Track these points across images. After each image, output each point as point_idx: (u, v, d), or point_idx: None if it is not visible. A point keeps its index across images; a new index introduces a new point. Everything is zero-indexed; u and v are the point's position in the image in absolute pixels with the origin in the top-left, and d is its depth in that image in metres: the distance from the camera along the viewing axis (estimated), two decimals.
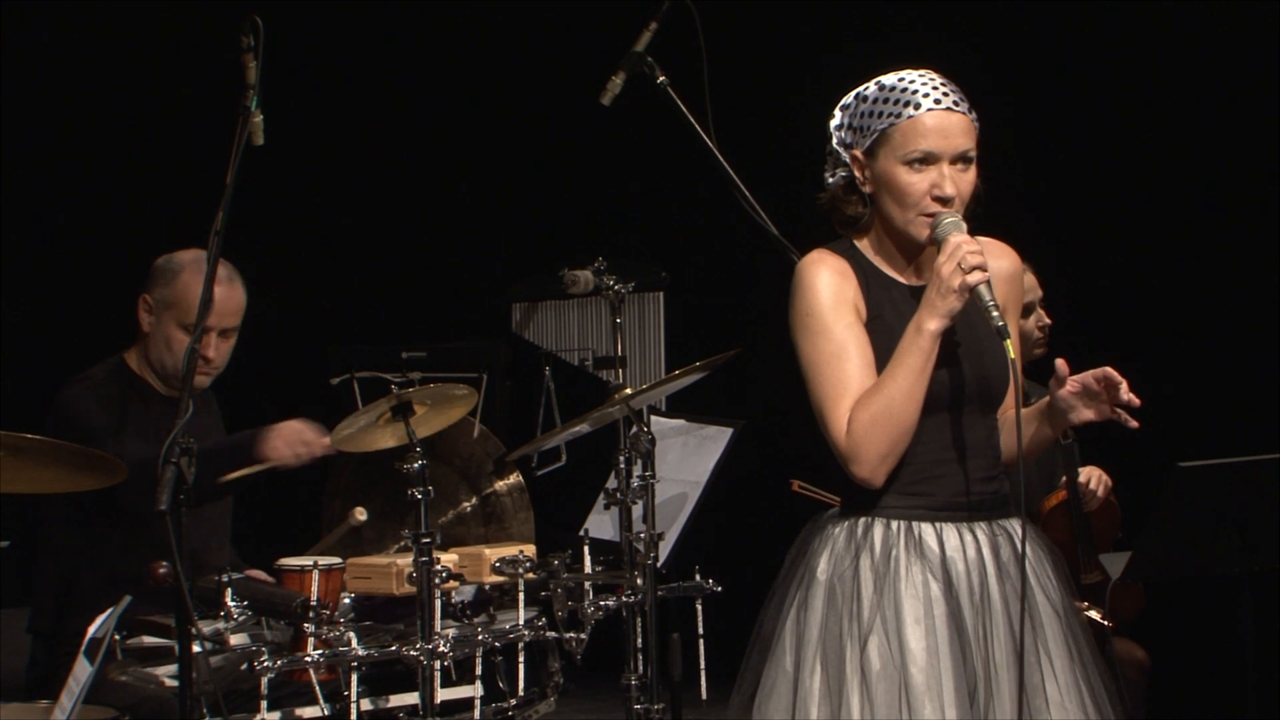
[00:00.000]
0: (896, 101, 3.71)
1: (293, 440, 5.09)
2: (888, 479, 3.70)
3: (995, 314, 3.62)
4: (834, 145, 3.83)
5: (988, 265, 3.65)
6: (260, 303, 5.50)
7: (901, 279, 3.80)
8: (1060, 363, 3.72)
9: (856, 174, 3.78)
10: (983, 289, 3.63)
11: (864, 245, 3.82)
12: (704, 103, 5.09)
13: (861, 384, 3.68)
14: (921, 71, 3.76)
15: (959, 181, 3.70)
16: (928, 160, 3.69)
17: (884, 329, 3.73)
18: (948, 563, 3.69)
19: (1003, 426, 3.85)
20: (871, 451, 3.66)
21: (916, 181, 3.69)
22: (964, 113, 3.72)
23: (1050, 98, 7.41)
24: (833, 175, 3.85)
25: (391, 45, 8.60)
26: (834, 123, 3.83)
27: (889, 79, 3.76)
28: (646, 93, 5.22)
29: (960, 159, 3.71)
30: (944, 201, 3.68)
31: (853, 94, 3.81)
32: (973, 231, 3.70)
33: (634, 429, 5.41)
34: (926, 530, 3.71)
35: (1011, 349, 3.63)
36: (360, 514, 5.48)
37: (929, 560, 3.69)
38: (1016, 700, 3.62)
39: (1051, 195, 7.29)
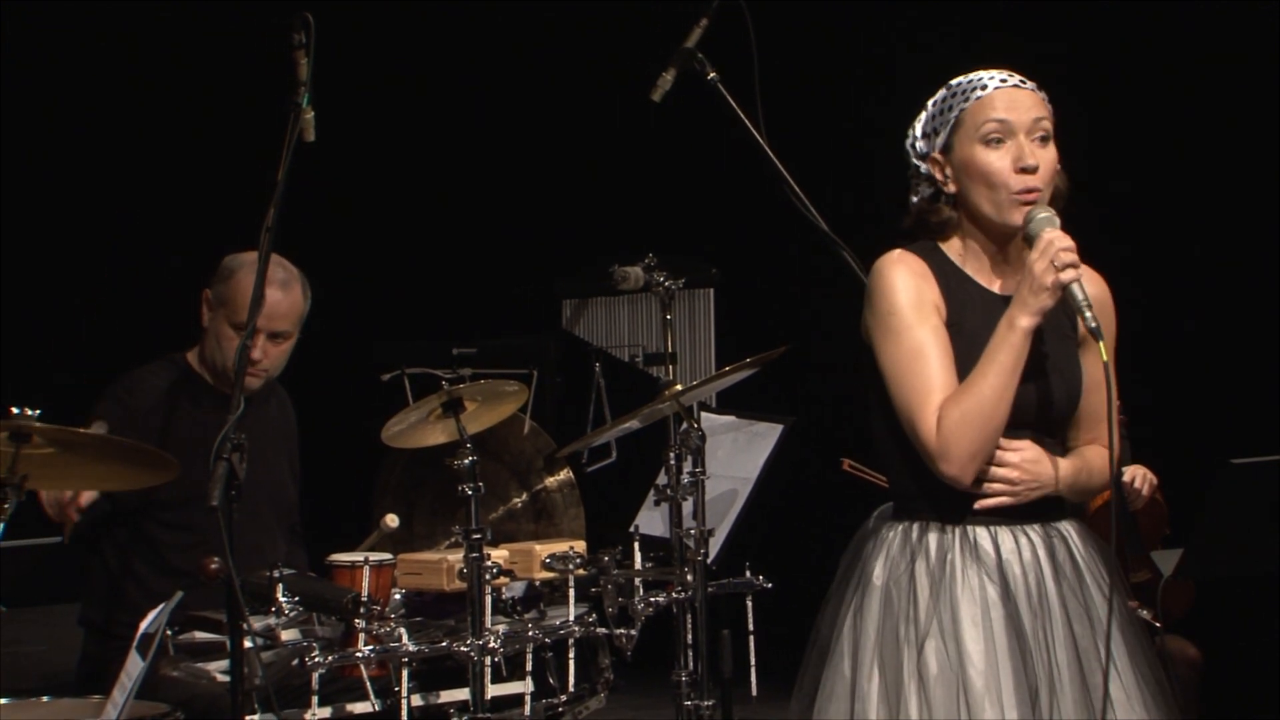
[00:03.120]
0: (965, 90, 3.71)
1: None
2: (944, 481, 3.68)
3: (1089, 314, 3.58)
4: (913, 162, 3.80)
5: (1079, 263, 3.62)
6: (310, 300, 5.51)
7: (984, 284, 3.77)
8: None
9: (938, 177, 3.74)
10: (1075, 288, 3.59)
11: (947, 248, 3.78)
12: (754, 99, 5.09)
13: (945, 383, 3.64)
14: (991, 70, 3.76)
15: (1040, 155, 3.67)
16: (1003, 134, 3.65)
17: (964, 333, 3.70)
18: (1004, 565, 3.67)
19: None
20: (962, 449, 3.62)
21: (997, 159, 3.66)
22: (1032, 89, 3.71)
23: (1112, 95, 7.39)
24: (916, 194, 3.82)
25: (442, 40, 8.62)
26: (909, 140, 3.80)
27: (957, 78, 3.76)
28: (697, 89, 5.22)
29: (1036, 130, 3.68)
30: (1029, 171, 3.63)
31: (925, 105, 3.80)
32: None
33: (684, 425, 5.40)
34: (981, 534, 3.70)
35: (1105, 350, 3.57)
36: (392, 520, 5.47)
37: (985, 564, 3.67)
38: (1083, 702, 3.60)
39: (1100, 190, 7.26)
